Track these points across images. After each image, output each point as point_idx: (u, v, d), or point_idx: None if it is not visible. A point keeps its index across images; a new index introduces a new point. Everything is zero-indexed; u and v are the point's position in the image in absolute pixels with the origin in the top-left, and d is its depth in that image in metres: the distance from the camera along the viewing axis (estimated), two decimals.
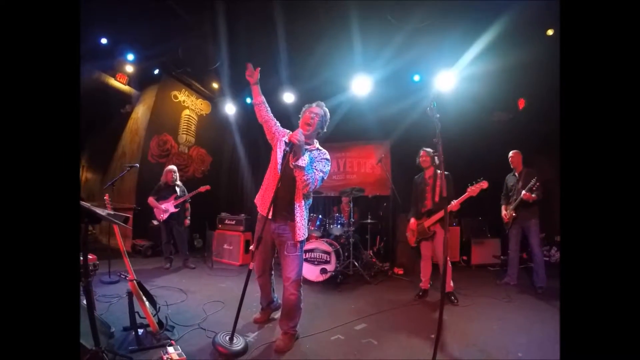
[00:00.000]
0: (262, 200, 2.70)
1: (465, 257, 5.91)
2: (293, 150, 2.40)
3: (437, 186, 3.83)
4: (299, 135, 2.36)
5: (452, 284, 3.77)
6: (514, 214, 4.32)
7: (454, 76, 5.66)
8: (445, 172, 3.62)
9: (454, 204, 3.60)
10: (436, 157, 3.81)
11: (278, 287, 3.02)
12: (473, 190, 3.55)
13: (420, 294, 3.96)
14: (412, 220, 4.04)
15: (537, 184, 4.02)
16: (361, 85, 6.16)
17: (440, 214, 3.72)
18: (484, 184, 3.53)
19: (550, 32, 4.91)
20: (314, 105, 2.76)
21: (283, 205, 2.63)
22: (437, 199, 3.82)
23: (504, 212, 4.50)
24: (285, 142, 2.63)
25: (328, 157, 2.70)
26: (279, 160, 2.65)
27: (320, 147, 2.75)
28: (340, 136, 7.11)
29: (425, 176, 4.02)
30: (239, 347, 2.42)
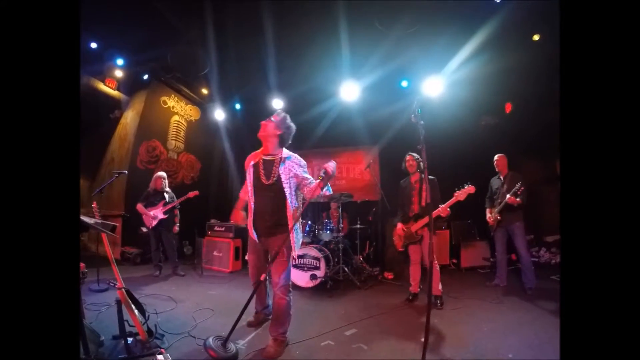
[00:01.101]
0: (251, 225, 2.81)
1: (455, 260, 5.96)
2: (323, 179, 2.50)
3: (424, 190, 3.84)
4: (333, 166, 2.48)
5: (440, 287, 3.79)
6: (498, 217, 4.37)
7: (442, 81, 5.74)
8: (431, 177, 3.67)
9: (443, 208, 3.60)
10: (421, 163, 3.86)
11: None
12: (460, 194, 3.54)
13: (410, 298, 3.98)
14: (399, 225, 4.05)
15: (522, 188, 4.07)
16: (349, 91, 6.21)
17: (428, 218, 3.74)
18: (471, 189, 3.51)
19: (536, 37, 5.02)
20: None
21: (269, 227, 2.70)
22: (423, 203, 3.84)
23: (488, 215, 4.55)
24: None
25: (303, 162, 2.81)
26: (250, 184, 2.76)
27: (290, 154, 2.79)
28: (328, 142, 7.23)
29: (411, 180, 4.05)
30: (231, 353, 2.41)
